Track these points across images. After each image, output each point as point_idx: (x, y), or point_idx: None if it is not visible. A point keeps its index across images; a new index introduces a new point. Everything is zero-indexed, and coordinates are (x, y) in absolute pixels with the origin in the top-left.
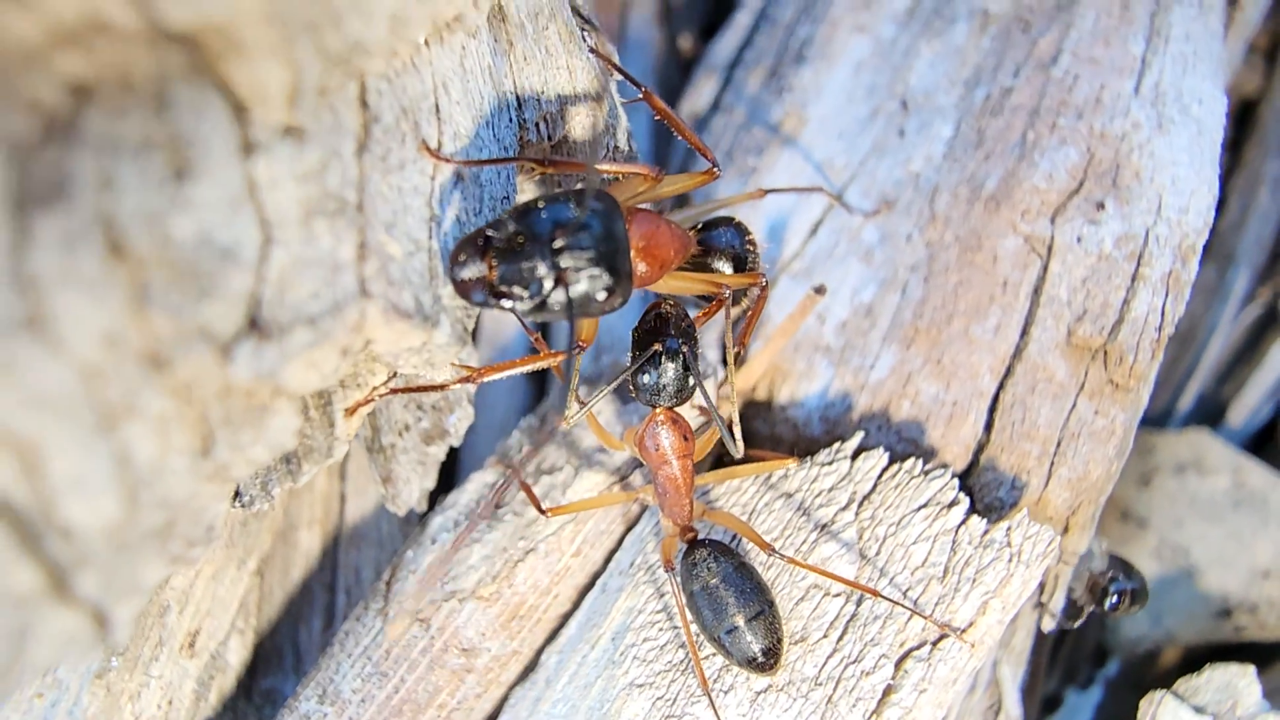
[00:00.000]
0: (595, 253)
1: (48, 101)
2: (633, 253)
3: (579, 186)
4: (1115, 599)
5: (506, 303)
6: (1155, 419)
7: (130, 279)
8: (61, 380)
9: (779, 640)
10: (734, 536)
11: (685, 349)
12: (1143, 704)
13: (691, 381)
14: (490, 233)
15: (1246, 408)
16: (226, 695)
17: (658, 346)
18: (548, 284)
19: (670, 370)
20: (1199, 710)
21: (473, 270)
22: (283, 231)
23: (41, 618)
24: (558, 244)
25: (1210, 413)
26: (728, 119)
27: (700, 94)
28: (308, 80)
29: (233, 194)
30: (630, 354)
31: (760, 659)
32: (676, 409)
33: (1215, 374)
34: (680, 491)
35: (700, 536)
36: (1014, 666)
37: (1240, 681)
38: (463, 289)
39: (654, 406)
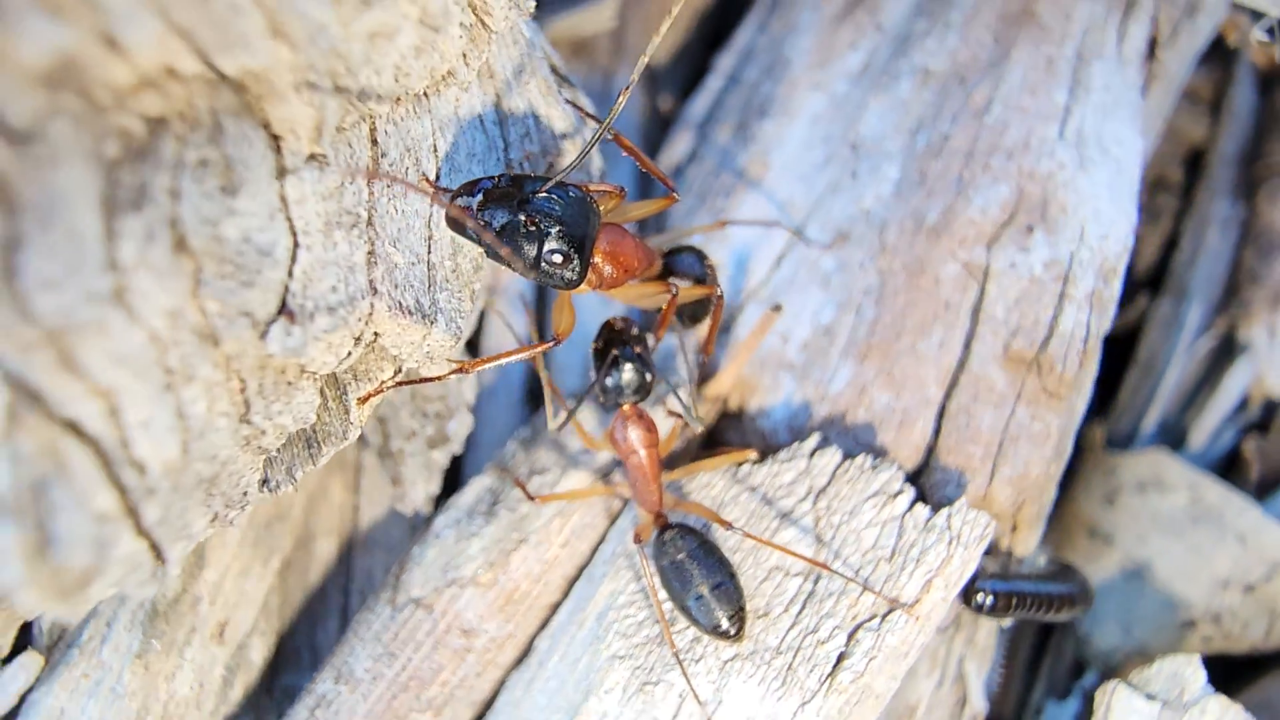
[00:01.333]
0: (565, 219)
1: (132, 130)
2: (598, 255)
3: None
4: (983, 598)
5: (479, 227)
6: (1120, 442)
7: (190, 268)
8: (136, 344)
9: (741, 609)
10: (704, 524)
11: (638, 350)
12: (1098, 694)
13: (648, 378)
14: (486, 180)
15: (1205, 431)
16: (250, 691)
17: (615, 352)
18: (519, 225)
19: (626, 370)
20: (1150, 698)
21: (465, 200)
22: (308, 238)
23: (116, 535)
24: (538, 199)
25: (1172, 437)
26: (700, 167)
27: (677, 147)
28: (329, 120)
29: (270, 206)
30: (593, 366)
31: (724, 625)
32: (640, 405)
33: (1176, 400)
34: (648, 478)
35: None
36: (978, 662)
37: (1186, 670)
38: (455, 212)
39: (619, 405)
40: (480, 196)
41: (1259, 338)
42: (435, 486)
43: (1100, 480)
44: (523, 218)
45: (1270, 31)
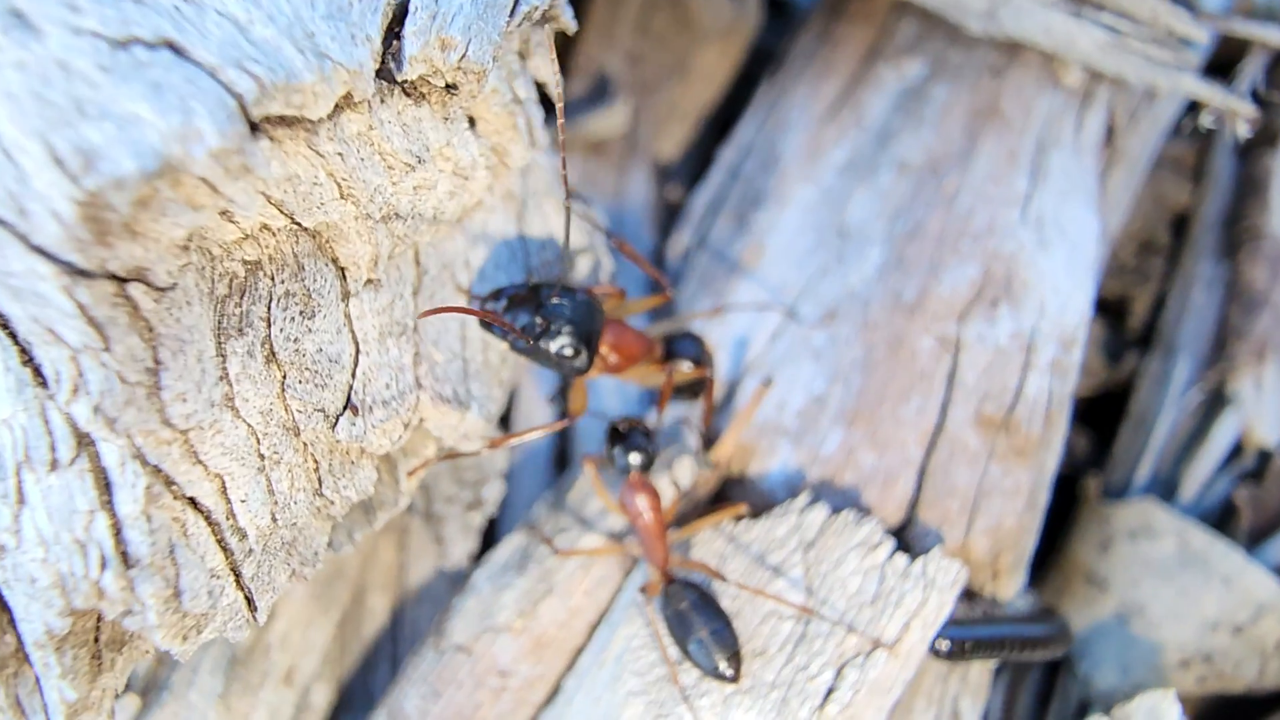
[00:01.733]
0: (574, 319)
1: (236, 272)
2: (604, 347)
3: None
4: (946, 645)
5: (505, 328)
6: (1116, 492)
7: (278, 376)
8: (239, 437)
9: (737, 653)
10: (706, 580)
11: (640, 430)
12: None
13: (652, 453)
14: (510, 288)
15: (1197, 481)
16: None
17: (621, 433)
18: (536, 328)
19: (633, 454)
20: None
21: (491, 305)
22: (367, 345)
23: (223, 588)
24: (551, 303)
25: (1166, 487)
26: (704, 253)
27: (683, 234)
28: (383, 252)
29: (338, 323)
30: (606, 447)
31: (722, 668)
32: (645, 475)
33: (1169, 452)
34: (654, 538)
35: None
36: (972, 699)
37: (1163, 704)
38: (483, 318)
39: (627, 473)
40: (505, 302)
41: (1246, 390)
42: (473, 545)
43: (1095, 529)
44: (539, 320)
45: (1218, 121)
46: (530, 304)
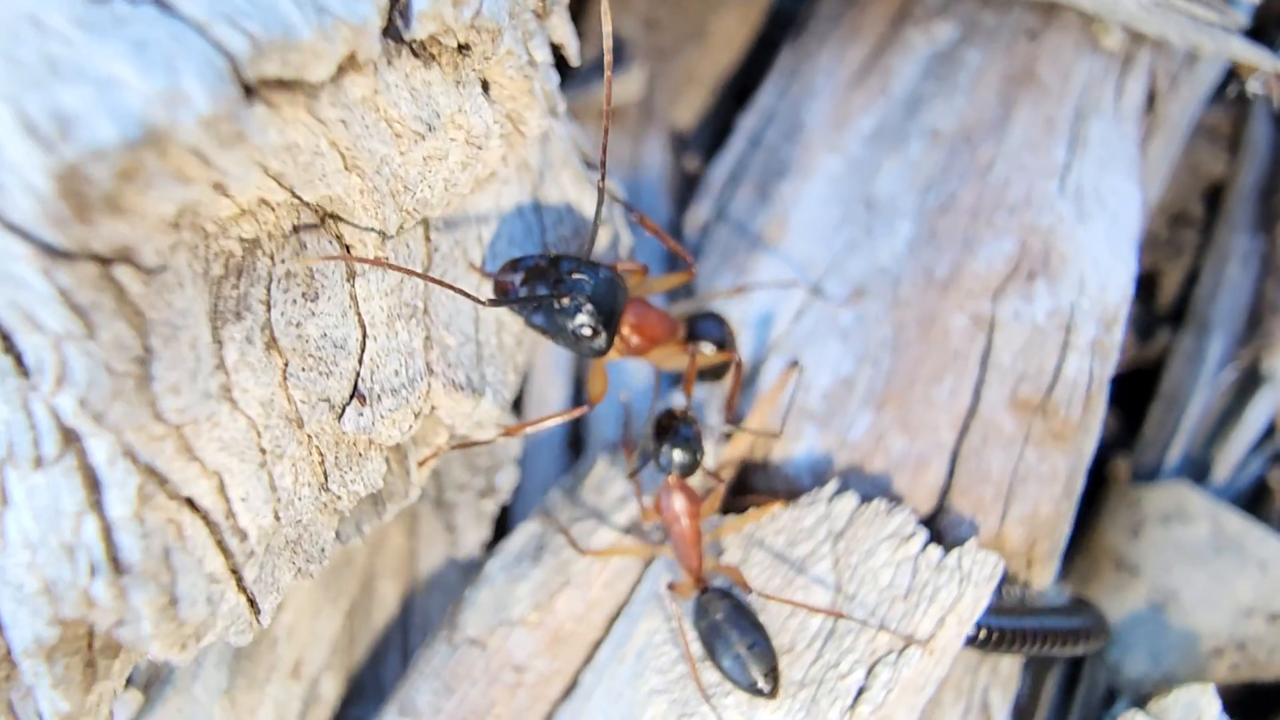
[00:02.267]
0: (595, 295)
1: (232, 250)
2: (625, 327)
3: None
4: (984, 634)
5: (521, 303)
6: (1145, 475)
7: (280, 364)
8: (238, 431)
9: (774, 668)
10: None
11: (694, 431)
12: None
13: (698, 457)
14: (526, 259)
15: (1230, 463)
16: None
17: (671, 428)
18: (553, 300)
19: (679, 451)
20: None
21: (507, 277)
22: (374, 329)
23: (224, 593)
24: (572, 277)
25: (1197, 469)
26: (724, 227)
27: (702, 206)
28: (390, 227)
29: (343, 306)
30: (649, 437)
31: (760, 684)
32: (685, 479)
33: (1201, 433)
34: (690, 544)
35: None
36: (1002, 691)
37: (1202, 699)
38: (497, 289)
39: (668, 475)
40: (522, 274)
41: None
42: (486, 533)
43: (1126, 513)
44: (558, 294)
45: (1265, 85)
46: (549, 277)
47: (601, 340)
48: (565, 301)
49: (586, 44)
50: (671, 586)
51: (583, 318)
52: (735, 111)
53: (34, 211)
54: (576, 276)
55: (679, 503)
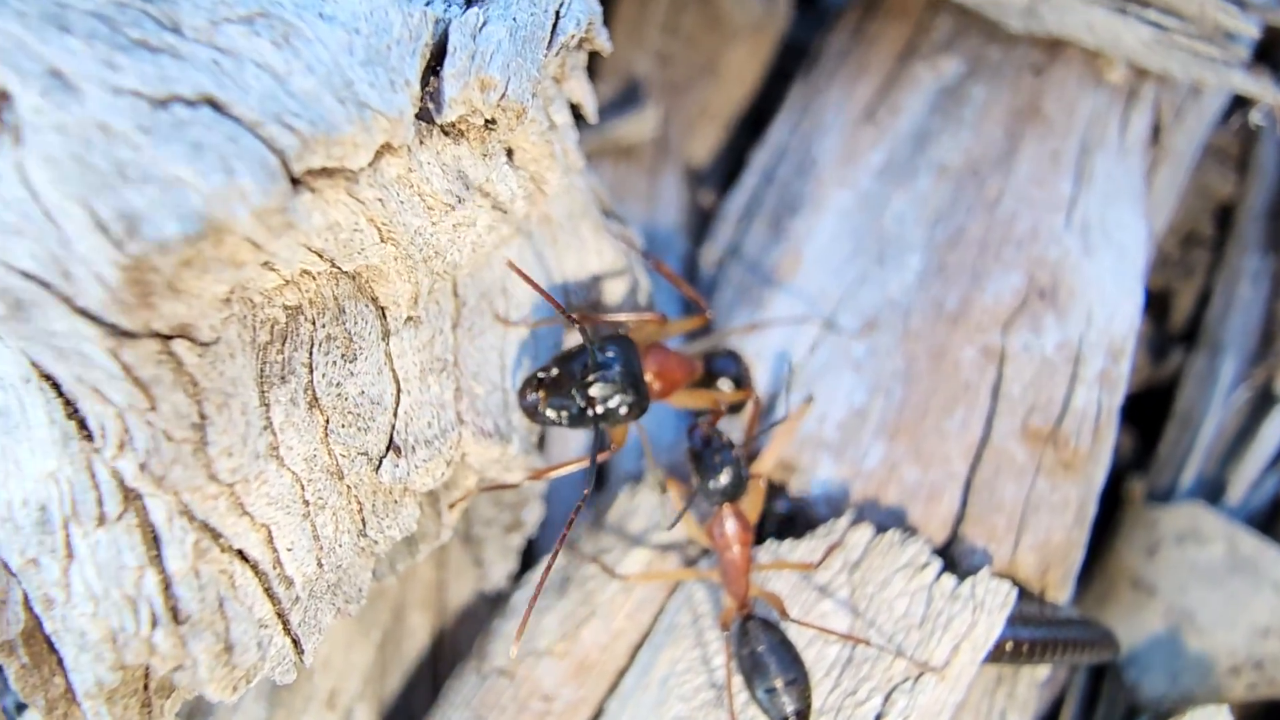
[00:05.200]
0: (618, 382)
1: (277, 318)
2: (648, 376)
3: (606, 333)
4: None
5: (554, 419)
6: (1160, 495)
7: (321, 421)
8: (284, 486)
9: (808, 706)
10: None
11: (734, 454)
12: None
13: (745, 477)
14: (541, 374)
15: (1244, 483)
16: None
17: (711, 454)
18: (581, 406)
19: (725, 475)
20: None
21: (531, 400)
22: (408, 384)
23: (272, 637)
24: (589, 379)
25: (1212, 489)
26: (739, 261)
27: (717, 242)
28: (422, 289)
29: (378, 364)
30: (692, 470)
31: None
32: (737, 504)
33: (1215, 453)
34: (740, 572)
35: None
36: (1020, 714)
37: (1217, 718)
38: (528, 412)
39: (718, 504)
40: (541, 394)
41: None
42: (513, 566)
43: (1141, 533)
44: (584, 405)
45: (1269, 116)
46: (568, 389)
47: (639, 407)
48: (597, 406)
49: (601, 82)
50: (724, 626)
51: (616, 400)
52: (749, 145)
53: (102, 298)
54: (593, 376)
55: (731, 528)
